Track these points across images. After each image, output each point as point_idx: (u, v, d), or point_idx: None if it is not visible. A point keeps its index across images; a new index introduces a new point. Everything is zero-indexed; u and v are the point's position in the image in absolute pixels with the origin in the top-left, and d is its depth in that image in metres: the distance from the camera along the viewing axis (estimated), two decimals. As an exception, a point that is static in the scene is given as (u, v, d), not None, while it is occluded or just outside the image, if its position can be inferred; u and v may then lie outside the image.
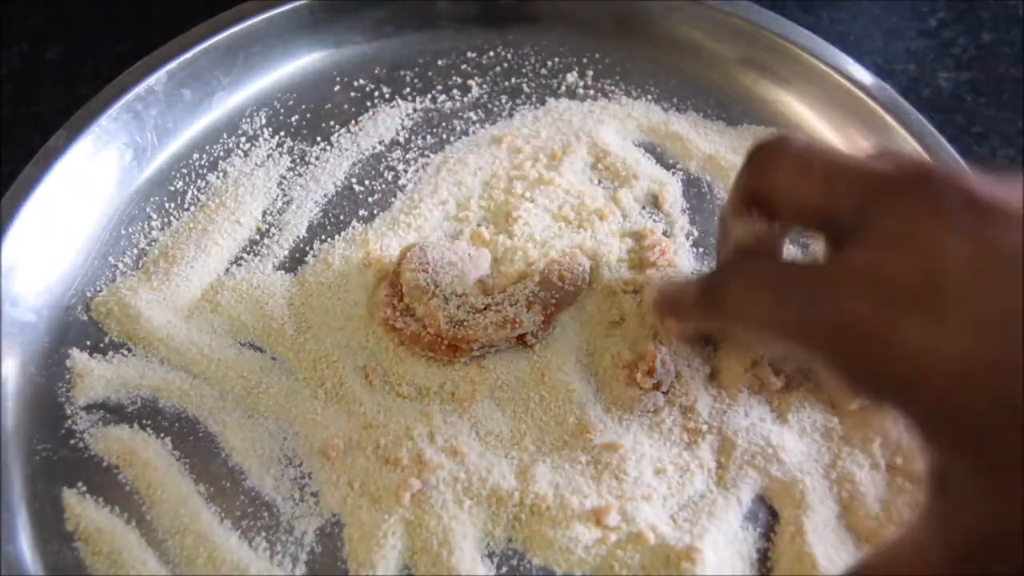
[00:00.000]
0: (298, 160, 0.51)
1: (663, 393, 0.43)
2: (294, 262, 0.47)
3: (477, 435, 0.42)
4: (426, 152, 0.51)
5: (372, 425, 0.42)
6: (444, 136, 0.51)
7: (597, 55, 0.54)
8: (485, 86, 0.53)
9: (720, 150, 0.51)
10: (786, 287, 0.34)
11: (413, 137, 0.51)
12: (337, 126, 0.52)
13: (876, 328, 0.30)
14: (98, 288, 0.46)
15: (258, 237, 0.48)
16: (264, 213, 0.49)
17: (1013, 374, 0.28)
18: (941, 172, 0.32)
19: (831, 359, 0.33)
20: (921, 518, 0.32)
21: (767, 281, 0.36)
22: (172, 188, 0.49)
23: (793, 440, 0.42)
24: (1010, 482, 0.28)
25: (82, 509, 0.41)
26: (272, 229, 0.49)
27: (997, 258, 0.29)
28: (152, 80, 0.49)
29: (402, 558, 0.40)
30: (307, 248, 0.48)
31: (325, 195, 0.50)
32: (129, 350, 0.45)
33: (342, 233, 0.48)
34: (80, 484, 0.41)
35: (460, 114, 0.52)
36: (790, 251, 0.47)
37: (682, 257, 0.47)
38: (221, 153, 0.50)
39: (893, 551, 0.33)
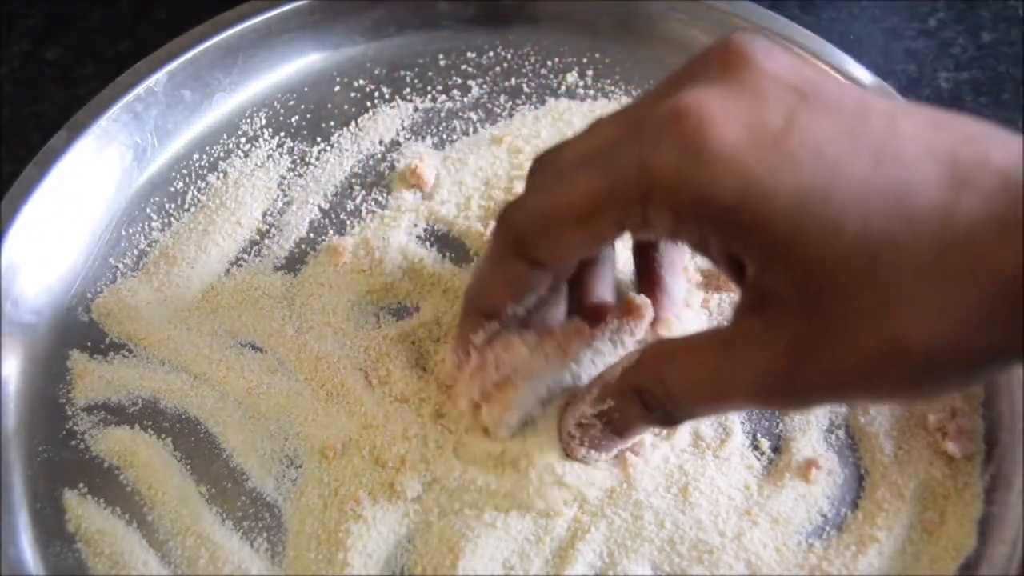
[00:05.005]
0: (298, 160, 0.51)
1: None
2: (294, 262, 0.48)
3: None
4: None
5: (372, 425, 0.42)
6: (444, 136, 0.51)
7: (597, 55, 0.54)
8: (485, 86, 0.53)
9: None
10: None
11: (413, 137, 0.51)
12: (337, 126, 0.52)
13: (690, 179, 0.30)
14: (99, 289, 0.46)
15: (258, 238, 0.48)
16: (264, 214, 0.49)
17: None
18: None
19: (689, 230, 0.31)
20: (731, 334, 0.32)
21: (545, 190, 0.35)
22: (172, 189, 0.49)
23: None
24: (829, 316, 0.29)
25: (83, 510, 0.41)
26: (272, 230, 0.49)
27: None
28: (152, 80, 0.49)
29: (400, 558, 0.40)
30: (307, 249, 0.48)
31: (325, 195, 0.50)
32: (130, 351, 0.45)
33: (342, 233, 0.48)
34: (81, 485, 0.41)
35: (460, 114, 0.52)
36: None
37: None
38: (221, 154, 0.50)
39: (695, 359, 0.33)
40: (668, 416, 0.35)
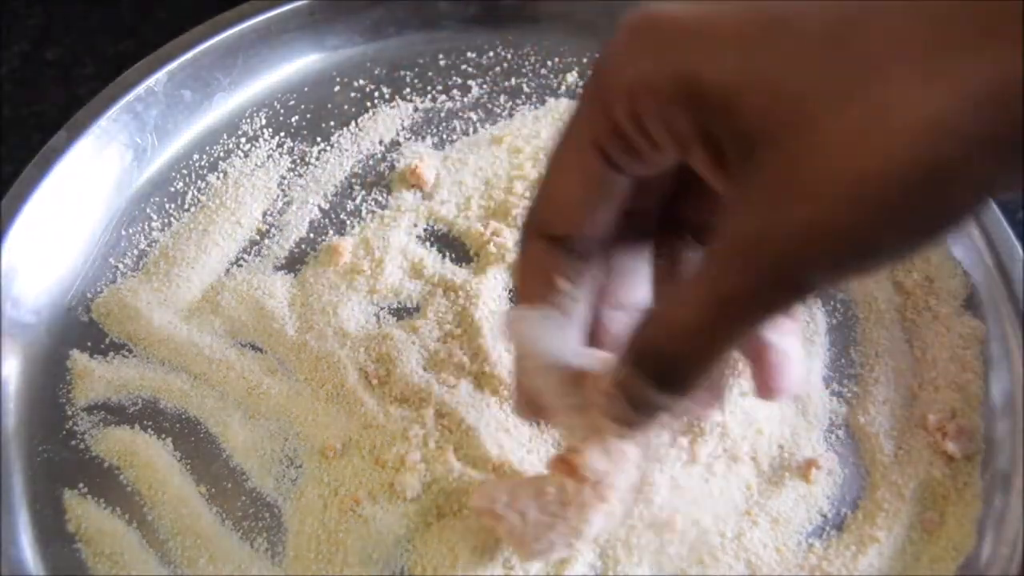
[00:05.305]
0: (298, 160, 0.51)
1: None
2: (294, 262, 0.48)
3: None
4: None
5: (371, 426, 0.42)
6: (444, 136, 0.51)
7: (597, 55, 0.53)
8: (485, 86, 0.53)
9: (720, 150, 0.51)
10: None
11: (413, 137, 0.51)
12: (337, 126, 0.52)
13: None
14: (99, 289, 0.46)
15: (258, 238, 0.48)
16: (264, 214, 0.49)
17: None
18: None
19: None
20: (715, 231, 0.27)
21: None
22: (172, 189, 0.49)
23: None
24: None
25: (83, 510, 0.41)
26: (272, 229, 0.49)
27: None
28: (152, 80, 0.49)
29: (400, 558, 0.40)
30: (307, 249, 0.48)
31: (325, 195, 0.50)
32: (130, 351, 0.45)
33: (342, 233, 0.48)
34: (81, 485, 0.41)
35: (460, 114, 0.52)
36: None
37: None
38: (221, 154, 0.50)
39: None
40: (674, 373, 0.29)
